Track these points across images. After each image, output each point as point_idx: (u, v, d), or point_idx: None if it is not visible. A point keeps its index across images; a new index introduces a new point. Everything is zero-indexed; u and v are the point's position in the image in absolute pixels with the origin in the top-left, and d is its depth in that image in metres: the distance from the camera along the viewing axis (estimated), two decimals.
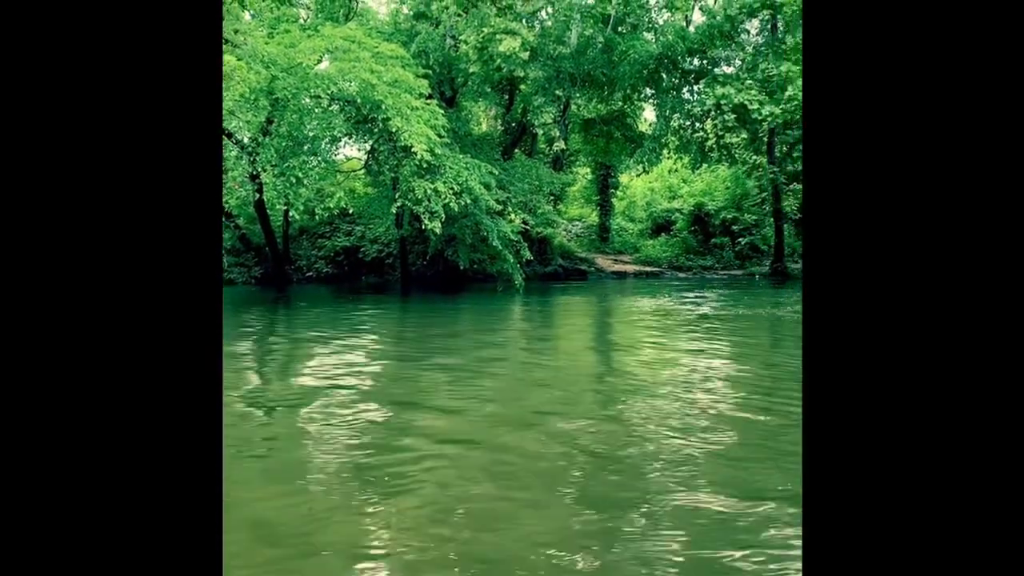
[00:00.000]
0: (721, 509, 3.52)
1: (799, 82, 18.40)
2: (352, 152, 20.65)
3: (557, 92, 19.57)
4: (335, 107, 14.57)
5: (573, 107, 24.21)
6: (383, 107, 13.33)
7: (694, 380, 6.93)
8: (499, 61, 16.79)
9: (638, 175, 31.22)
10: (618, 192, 31.51)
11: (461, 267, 18.53)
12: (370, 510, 3.54)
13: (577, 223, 31.30)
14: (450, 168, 14.58)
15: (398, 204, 14.74)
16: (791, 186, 26.23)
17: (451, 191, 14.29)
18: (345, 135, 15.40)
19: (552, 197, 22.51)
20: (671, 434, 4.87)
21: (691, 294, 17.87)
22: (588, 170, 30.46)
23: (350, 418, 5.37)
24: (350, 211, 20.91)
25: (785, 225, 26.48)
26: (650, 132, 23.26)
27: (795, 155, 26.24)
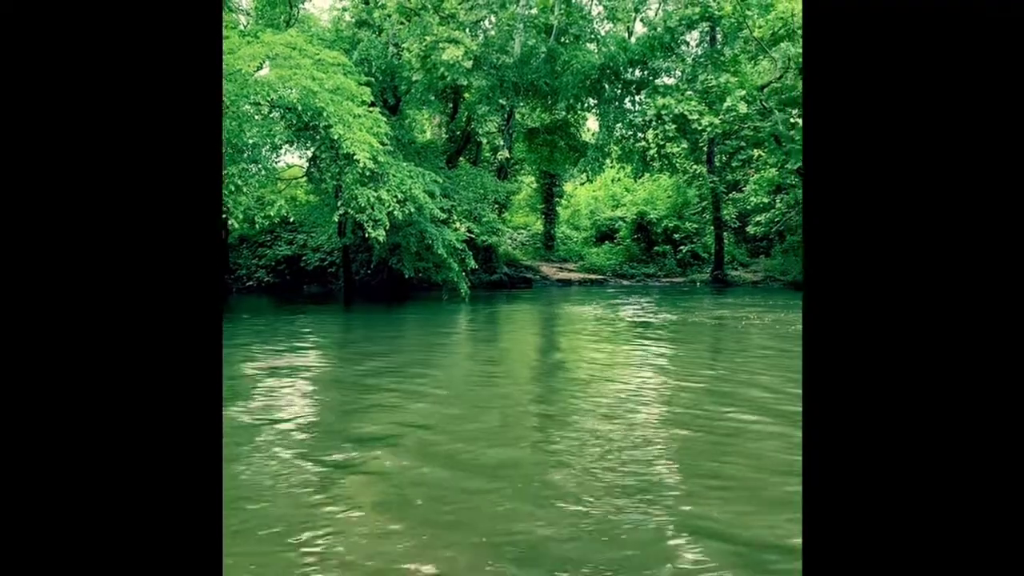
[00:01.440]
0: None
1: (737, 93, 18.85)
2: (293, 160, 20.35)
3: (501, 101, 19.63)
4: (276, 114, 14.32)
5: (517, 116, 24.32)
6: (325, 114, 13.16)
7: (635, 397, 6.99)
8: (442, 69, 16.76)
9: (582, 184, 31.61)
10: (562, 200, 31.78)
11: (406, 276, 18.38)
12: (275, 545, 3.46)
13: (522, 231, 31.43)
14: (394, 176, 14.47)
15: (341, 212, 14.56)
16: (730, 195, 26.85)
17: (395, 199, 14.18)
18: (286, 142, 15.12)
19: (497, 205, 22.53)
20: (601, 464, 4.89)
21: (634, 302, 18.08)
22: (533, 178, 30.63)
23: (277, 446, 5.25)
24: (291, 219, 20.56)
25: (725, 233, 27.05)
26: (593, 141, 23.51)
27: (734, 165, 26.86)
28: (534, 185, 31.03)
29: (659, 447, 4.75)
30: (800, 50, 18.29)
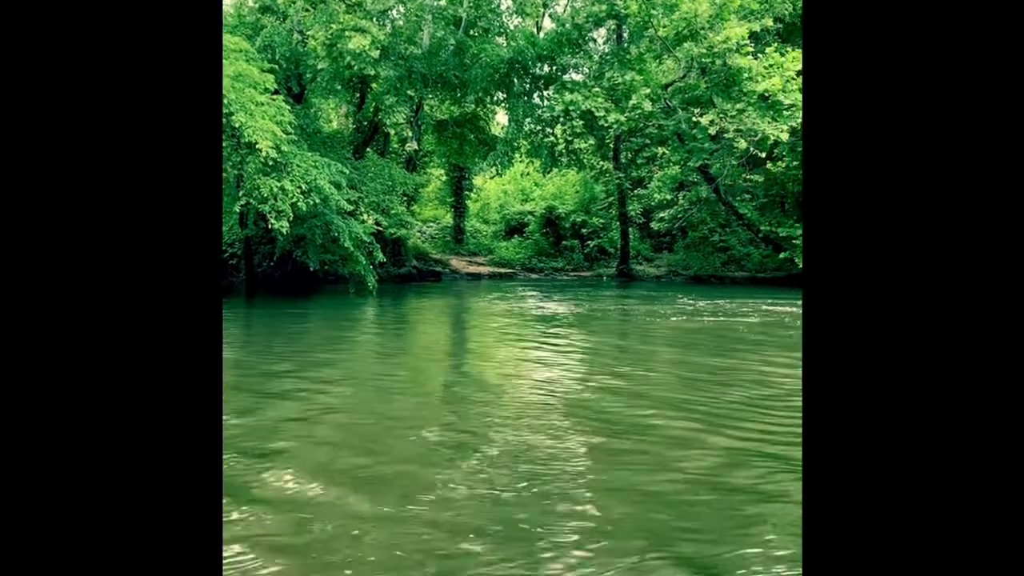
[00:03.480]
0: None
1: (643, 91, 19.26)
2: None
3: (409, 92, 19.41)
4: None
5: (426, 108, 24.12)
6: (225, 101, 12.69)
7: (542, 397, 7.05)
8: (349, 59, 16.43)
9: (492, 178, 31.68)
10: (472, 194, 31.74)
11: (311, 268, 17.96)
12: None
13: (431, 224, 31.24)
14: (298, 166, 14.10)
15: (242, 203, 14.09)
16: (635, 191, 27.45)
17: (299, 190, 13.82)
18: None
19: (405, 198, 22.29)
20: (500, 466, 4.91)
21: (543, 295, 18.26)
22: (442, 171, 30.47)
23: None
24: None
25: (630, 228, 27.66)
26: (502, 135, 23.58)
27: (639, 161, 27.47)
28: (443, 178, 30.87)
29: (570, 457, 4.80)
30: (703, 50, 18.86)
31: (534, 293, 18.96)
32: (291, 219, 13.65)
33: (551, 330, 11.14)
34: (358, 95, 22.02)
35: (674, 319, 12.47)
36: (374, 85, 20.30)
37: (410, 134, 21.70)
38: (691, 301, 16.05)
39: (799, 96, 19.98)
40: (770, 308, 14.35)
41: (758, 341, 9.89)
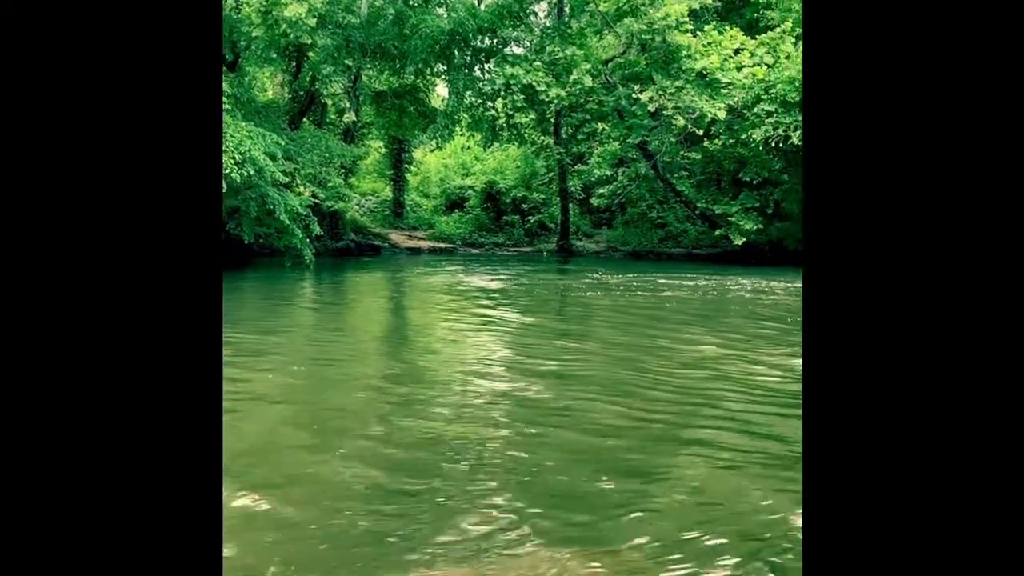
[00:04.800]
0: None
1: (584, 66, 19.26)
2: None
3: (347, 62, 18.97)
4: None
5: (364, 78, 23.63)
6: None
7: (479, 375, 7.06)
8: (284, 26, 15.94)
9: (432, 151, 31.30)
10: (412, 167, 31.32)
11: (245, 241, 17.51)
12: None
13: (370, 198, 30.75)
14: (231, 136, 13.67)
15: None
16: (575, 167, 27.54)
17: (232, 161, 13.42)
18: None
19: (343, 170, 21.89)
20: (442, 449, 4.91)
21: (483, 270, 18.25)
22: (381, 144, 29.95)
23: None
24: None
25: (570, 204, 27.77)
26: (443, 108, 23.30)
27: (579, 137, 27.54)
28: (382, 150, 30.37)
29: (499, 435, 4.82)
30: (643, 26, 18.93)
31: (474, 268, 18.93)
32: (224, 191, 13.26)
33: (489, 306, 11.15)
34: (294, 64, 21.42)
35: (590, 293, 12.62)
36: (311, 54, 19.76)
37: (348, 105, 21.20)
38: (615, 277, 16.27)
39: (736, 74, 20.29)
40: (704, 283, 14.65)
41: (686, 316, 10.09)
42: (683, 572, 2.66)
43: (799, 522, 3.06)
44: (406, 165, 30.38)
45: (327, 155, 18.94)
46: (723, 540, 2.92)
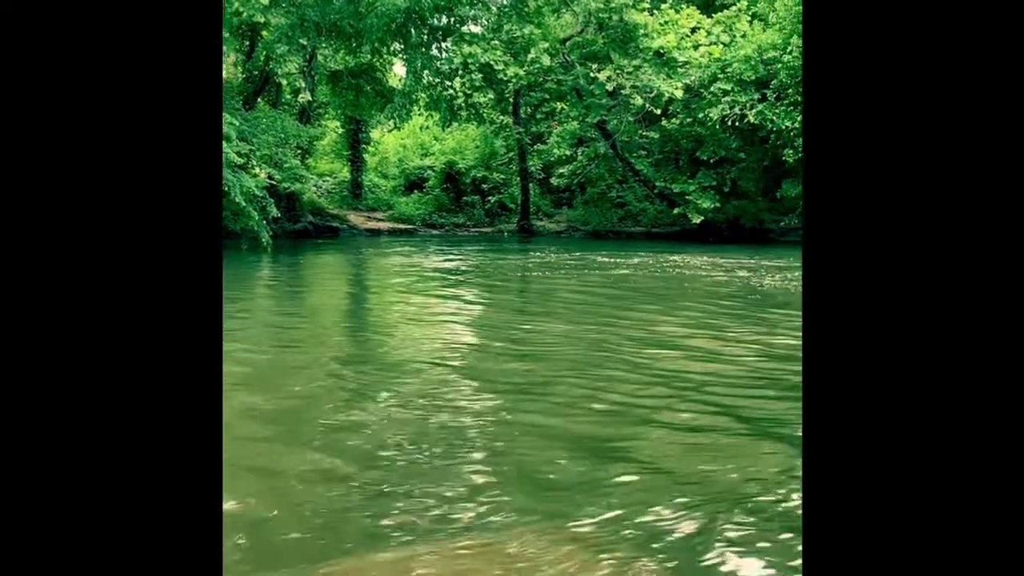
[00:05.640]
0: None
1: (542, 45, 19.21)
2: None
3: (302, 41, 18.62)
4: None
5: (320, 57, 23.24)
6: None
7: (444, 356, 7.06)
8: (237, 5, 15.58)
9: (390, 131, 30.98)
10: (370, 148, 30.96)
11: None
12: None
13: (327, 179, 30.33)
14: None
15: None
16: (535, 147, 27.53)
17: None
18: None
19: (300, 151, 21.55)
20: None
21: (444, 251, 18.19)
22: (338, 124, 29.53)
23: None
24: None
25: (530, 184, 27.77)
26: (400, 87, 23.05)
27: (538, 117, 27.51)
28: (339, 131, 29.95)
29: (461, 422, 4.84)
30: (599, 5, 18.91)
31: (434, 249, 18.85)
32: None
33: (450, 287, 11.13)
34: (247, 43, 20.95)
35: (551, 273, 12.69)
36: (264, 33, 19.36)
37: (303, 85, 20.89)
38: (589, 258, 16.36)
39: (693, 53, 20.43)
40: (664, 262, 14.81)
41: (654, 294, 10.20)
42: (647, 544, 2.71)
43: (758, 490, 3.15)
44: (364, 145, 30.02)
45: (283, 136, 18.63)
46: (687, 511, 2.98)
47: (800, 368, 5.46)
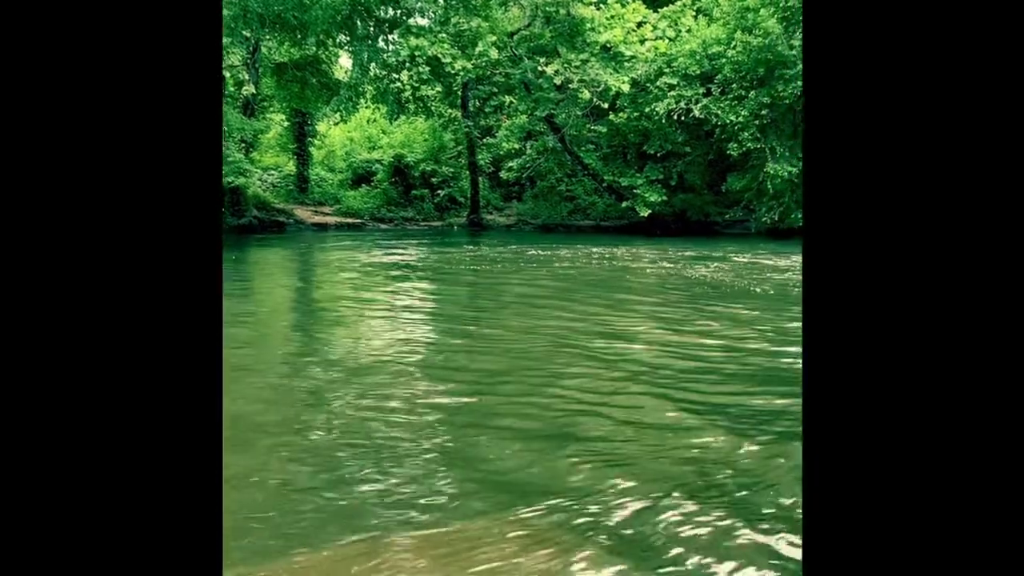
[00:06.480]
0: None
1: (489, 38, 19.16)
2: None
3: (245, 33, 18.27)
4: None
5: (264, 49, 22.81)
6: None
7: (396, 357, 7.01)
8: None
9: (336, 124, 30.59)
10: (316, 141, 30.50)
11: None
12: None
13: (273, 172, 29.78)
14: None
15: None
16: (484, 140, 27.47)
17: None
18: None
19: (244, 144, 21.13)
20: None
21: (393, 246, 18.05)
22: (283, 117, 29.03)
23: None
24: None
25: (480, 178, 27.72)
26: (346, 80, 22.77)
27: (487, 110, 27.46)
28: (284, 124, 29.43)
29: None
30: None
31: (383, 244, 18.69)
32: None
33: (400, 282, 11.06)
34: None
35: (502, 266, 12.72)
36: None
37: (247, 77, 20.43)
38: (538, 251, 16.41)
39: (639, 47, 20.63)
40: (612, 255, 14.95)
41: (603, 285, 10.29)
42: (592, 529, 2.74)
43: (699, 474, 3.20)
44: (310, 139, 29.57)
45: (226, 129, 18.25)
46: (632, 497, 3.02)
47: (738, 355, 5.54)
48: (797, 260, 13.60)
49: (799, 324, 6.91)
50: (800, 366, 5.21)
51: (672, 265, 12.96)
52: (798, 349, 5.83)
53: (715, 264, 13.05)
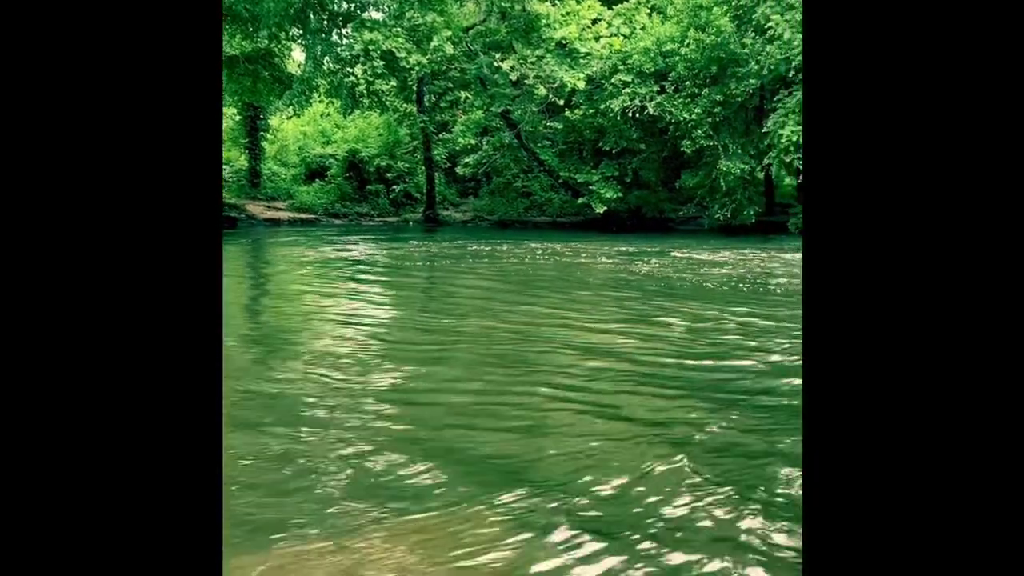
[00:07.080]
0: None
1: (444, 33, 19.06)
2: None
3: None
4: None
5: None
6: None
7: (354, 356, 6.94)
8: None
9: (289, 118, 30.06)
10: (268, 135, 30.00)
11: None
12: None
13: (224, 167, 29.21)
14: None
15: None
16: (440, 135, 27.35)
17: None
18: None
19: None
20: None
21: (347, 241, 17.87)
22: (235, 110, 28.47)
23: None
24: None
25: (436, 174, 27.59)
26: (299, 74, 22.44)
27: (442, 105, 27.32)
28: (236, 118, 28.88)
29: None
30: None
31: (338, 240, 18.48)
32: None
33: (355, 279, 10.95)
34: None
35: (456, 263, 12.70)
36: None
37: None
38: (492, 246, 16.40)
39: (594, 44, 20.74)
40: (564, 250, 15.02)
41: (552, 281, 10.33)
42: (570, 513, 2.75)
43: (659, 459, 3.24)
44: (262, 133, 29.06)
45: None
46: (601, 485, 3.04)
47: (692, 348, 5.57)
48: (733, 255, 13.84)
49: (734, 316, 7.04)
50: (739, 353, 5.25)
51: (627, 260, 13.08)
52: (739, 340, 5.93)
53: (666, 260, 13.21)
